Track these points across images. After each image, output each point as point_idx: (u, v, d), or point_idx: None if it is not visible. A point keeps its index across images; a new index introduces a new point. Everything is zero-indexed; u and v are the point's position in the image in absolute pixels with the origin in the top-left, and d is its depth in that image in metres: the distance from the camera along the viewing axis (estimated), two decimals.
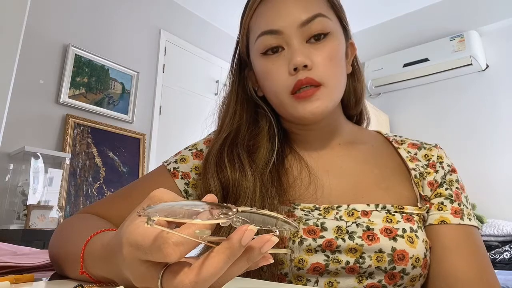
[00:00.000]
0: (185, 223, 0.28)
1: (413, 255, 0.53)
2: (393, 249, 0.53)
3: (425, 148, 0.66)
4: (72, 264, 0.46)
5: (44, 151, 2.19)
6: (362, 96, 0.72)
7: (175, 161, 0.67)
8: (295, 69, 0.57)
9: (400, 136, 0.70)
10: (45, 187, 2.18)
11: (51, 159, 2.25)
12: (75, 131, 2.44)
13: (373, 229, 0.54)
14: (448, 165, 0.64)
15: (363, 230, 0.55)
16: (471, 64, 2.92)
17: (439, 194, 0.61)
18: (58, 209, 2.13)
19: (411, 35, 3.31)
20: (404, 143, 0.68)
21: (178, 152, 0.70)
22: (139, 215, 0.29)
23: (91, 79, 2.59)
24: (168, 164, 0.66)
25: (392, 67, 3.27)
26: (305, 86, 0.57)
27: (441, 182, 0.62)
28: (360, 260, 0.53)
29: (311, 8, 0.59)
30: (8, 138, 1.98)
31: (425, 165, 0.63)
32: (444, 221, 0.58)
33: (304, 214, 0.58)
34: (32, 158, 2.13)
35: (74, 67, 2.48)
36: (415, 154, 0.65)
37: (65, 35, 2.48)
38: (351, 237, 0.54)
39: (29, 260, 0.63)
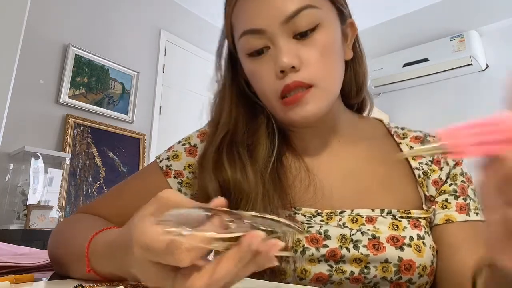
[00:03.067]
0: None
1: (420, 265, 0.51)
2: (400, 259, 0.50)
3: (429, 141, 0.63)
4: (76, 263, 0.47)
5: (44, 151, 2.19)
6: (364, 83, 0.67)
7: (168, 158, 0.64)
8: (282, 71, 0.53)
9: (403, 128, 0.66)
10: (45, 187, 2.19)
11: (51, 159, 2.25)
12: (75, 131, 2.44)
13: (379, 237, 0.52)
14: (453, 159, 0.60)
15: (368, 238, 0.52)
16: (471, 64, 2.92)
17: (443, 191, 0.58)
18: (58, 209, 2.13)
19: (411, 35, 3.31)
20: (407, 137, 0.64)
21: (171, 147, 0.67)
22: (158, 224, 0.29)
23: (91, 79, 2.59)
24: (160, 161, 0.64)
25: (392, 67, 3.27)
26: (293, 90, 0.53)
27: (445, 179, 0.59)
28: (365, 270, 0.51)
29: (295, 0, 0.53)
30: (8, 138, 1.98)
31: (429, 161, 0.60)
32: (450, 220, 0.55)
33: (306, 220, 0.55)
34: (32, 158, 2.13)
35: (74, 67, 2.48)
36: None
37: (65, 35, 2.48)
38: (355, 246, 0.52)
39: (29, 260, 0.63)
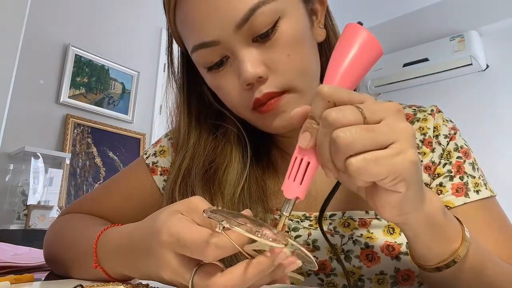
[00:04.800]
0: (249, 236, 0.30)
1: (419, 273, 0.46)
2: (396, 270, 0.47)
3: (419, 120, 0.56)
4: (80, 262, 0.47)
5: (44, 151, 2.19)
6: None
7: (154, 154, 0.63)
8: (249, 83, 0.46)
9: None
10: (45, 187, 2.18)
11: (51, 159, 2.25)
12: (75, 131, 2.43)
13: (372, 246, 0.48)
14: (446, 136, 0.54)
15: (361, 248, 0.48)
16: (471, 64, 2.92)
17: (437, 175, 0.52)
18: (58, 209, 2.13)
19: (411, 35, 3.30)
20: None
21: (158, 140, 0.66)
22: (208, 215, 0.30)
23: (91, 79, 2.59)
24: (147, 158, 0.63)
25: (392, 67, 3.27)
26: (266, 102, 0.47)
27: (439, 161, 0.53)
28: (359, 283, 0.47)
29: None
30: (8, 138, 1.98)
31: (420, 141, 0.54)
32: (447, 206, 0.49)
33: (293, 225, 0.51)
34: (32, 158, 2.13)
35: (74, 67, 2.48)
36: None
37: (65, 35, 2.48)
38: (347, 258, 0.48)
39: (29, 260, 0.63)
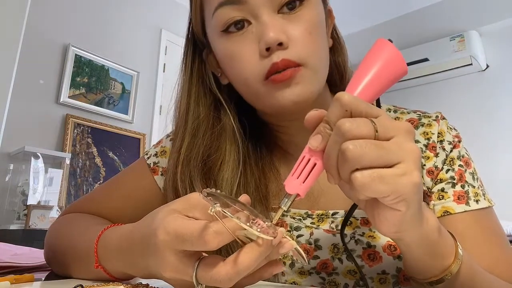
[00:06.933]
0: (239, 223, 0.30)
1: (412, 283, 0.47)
2: (398, 270, 0.47)
3: (423, 125, 0.56)
4: (81, 262, 0.47)
5: (44, 151, 2.19)
6: (346, 70, 0.60)
7: (156, 154, 0.63)
8: (268, 49, 0.46)
9: (395, 111, 0.59)
10: (45, 187, 2.18)
11: (51, 159, 2.25)
12: (75, 131, 2.44)
13: (374, 246, 0.47)
14: (450, 142, 0.54)
15: (363, 247, 0.48)
16: (471, 64, 2.92)
17: (439, 180, 0.52)
18: (58, 209, 2.13)
19: (411, 35, 3.30)
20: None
21: (160, 141, 0.66)
22: (204, 196, 0.30)
23: (91, 79, 2.59)
24: (148, 158, 0.63)
25: None
26: (282, 70, 0.46)
27: (442, 166, 0.53)
28: (361, 282, 0.47)
29: None
30: (8, 138, 1.98)
31: (424, 145, 0.54)
32: (448, 212, 0.49)
33: (295, 224, 0.51)
34: (32, 158, 2.13)
35: (74, 67, 2.48)
36: None
37: (65, 35, 2.48)
38: (349, 257, 0.48)
39: (29, 260, 0.63)
